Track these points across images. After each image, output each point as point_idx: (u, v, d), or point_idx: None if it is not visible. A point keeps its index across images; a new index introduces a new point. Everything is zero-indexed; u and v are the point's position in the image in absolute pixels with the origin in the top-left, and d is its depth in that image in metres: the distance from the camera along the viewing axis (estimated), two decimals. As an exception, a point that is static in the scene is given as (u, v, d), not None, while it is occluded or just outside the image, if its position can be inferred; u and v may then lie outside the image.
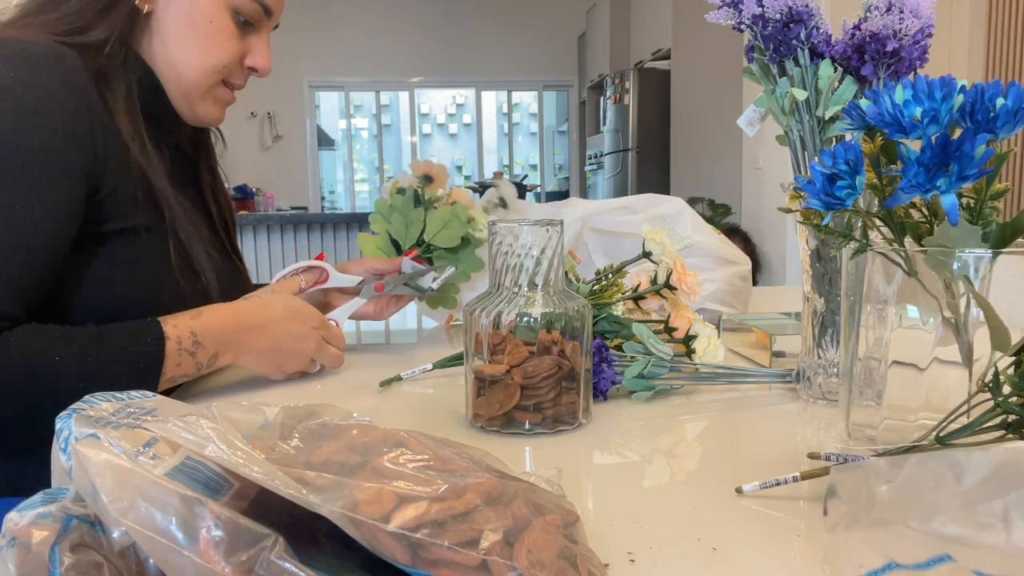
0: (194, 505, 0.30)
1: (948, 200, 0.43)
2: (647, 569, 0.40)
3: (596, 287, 0.84)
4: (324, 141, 7.66)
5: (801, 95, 0.67)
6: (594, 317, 0.78)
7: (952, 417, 0.44)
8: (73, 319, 0.72)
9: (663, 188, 5.35)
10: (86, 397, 0.38)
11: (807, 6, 0.67)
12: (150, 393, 0.40)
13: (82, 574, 0.30)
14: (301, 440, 0.38)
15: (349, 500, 0.31)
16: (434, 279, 0.95)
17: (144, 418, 0.36)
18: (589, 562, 0.35)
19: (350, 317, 0.93)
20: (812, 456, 0.52)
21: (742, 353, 0.88)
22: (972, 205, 0.46)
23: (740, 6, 0.68)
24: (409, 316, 1.21)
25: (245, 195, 5.56)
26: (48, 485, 0.36)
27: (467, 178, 8.37)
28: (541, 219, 0.61)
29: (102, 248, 0.74)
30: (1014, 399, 0.42)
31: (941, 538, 0.34)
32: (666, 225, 1.08)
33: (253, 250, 4.74)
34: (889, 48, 0.65)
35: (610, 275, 0.85)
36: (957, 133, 0.43)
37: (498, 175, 7.35)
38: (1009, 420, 0.42)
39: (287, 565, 0.29)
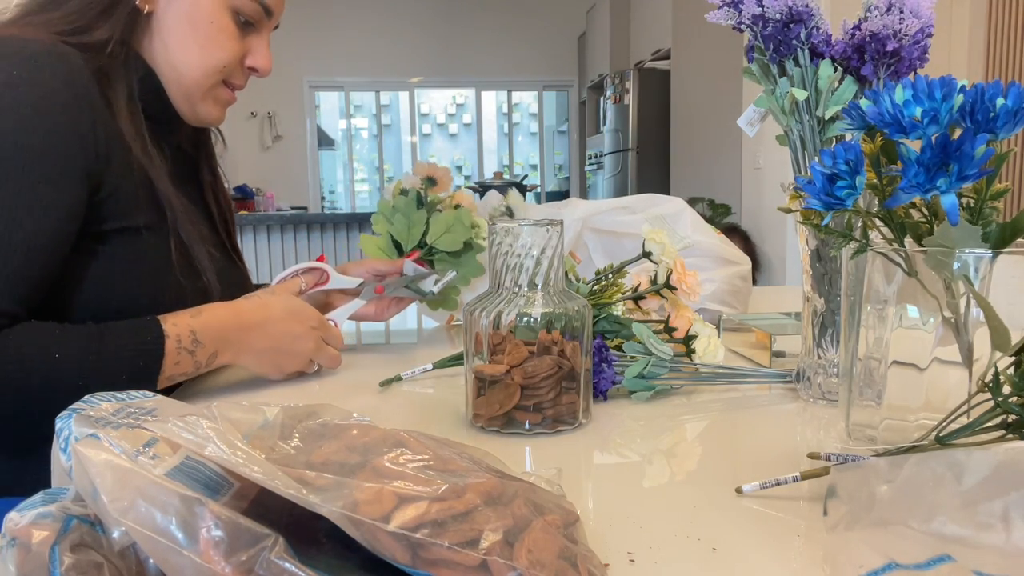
0: (194, 505, 0.30)
1: (948, 200, 0.43)
2: (647, 569, 0.40)
3: (596, 287, 0.84)
4: (324, 141, 7.66)
5: (801, 95, 0.67)
6: (594, 317, 0.78)
7: (952, 417, 0.44)
8: (73, 318, 0.72)
9: (663, 188, 5.35)
10: (86, 397, 0.38)
11: (807, 6, 0.67)
12: (150, 393, 0.40)
13: (82, 574, 0.30)
14: (301, 440, 0.38)
15: (349, 500, 0.31)
16: (435, 282, 0.95)
17: (144, 418, 0.36)
18: (589, 562, 0.35)
19: (350, 318, 0.93)
20: (812, 456, 0.52)
21: (742, 353, 0.88)
22: (972, 205, 0.46)
23: (740, 6, 0.68)
24: (409, 316, 1.21)
25: (245, 195, 5.55)
26: (48, 485, 0.36)
27: (467, 178, 8.37)
28: (541, 219, 0.61)
29: (103, 247, 0.74)
30: (1014, 399, 0.42)
31: (941, 538, 0.34)
32: (666, 225, 1.08)
33: (253, 250, 4.74)
34: (889, 48, 0.65)
35: (610, 275, 0.85)
36: (957, 133, 0.43)
37: (498, 175, 7.34)
38: (1009, 420, 0.42)
39: (287, 565, 0.29)
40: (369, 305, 0.95)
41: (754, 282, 1.15)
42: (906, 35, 0.65)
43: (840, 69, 0.68)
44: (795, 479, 0.48)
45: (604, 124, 5.99)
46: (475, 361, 0.62)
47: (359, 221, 4.97)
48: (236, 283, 0.92)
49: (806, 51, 0.67)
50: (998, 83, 0.43)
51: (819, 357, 0.69)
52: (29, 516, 0.32)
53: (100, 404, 0.37)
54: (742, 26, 0.69)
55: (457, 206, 1.05)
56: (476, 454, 0.41)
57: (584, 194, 6.90)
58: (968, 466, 0.36)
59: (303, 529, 0.33)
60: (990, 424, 0.43)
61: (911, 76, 0.59)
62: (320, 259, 0.95)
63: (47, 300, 0.70)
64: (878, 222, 0.51)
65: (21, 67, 0.68)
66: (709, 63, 4.64)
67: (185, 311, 0.74)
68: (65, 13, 0.76)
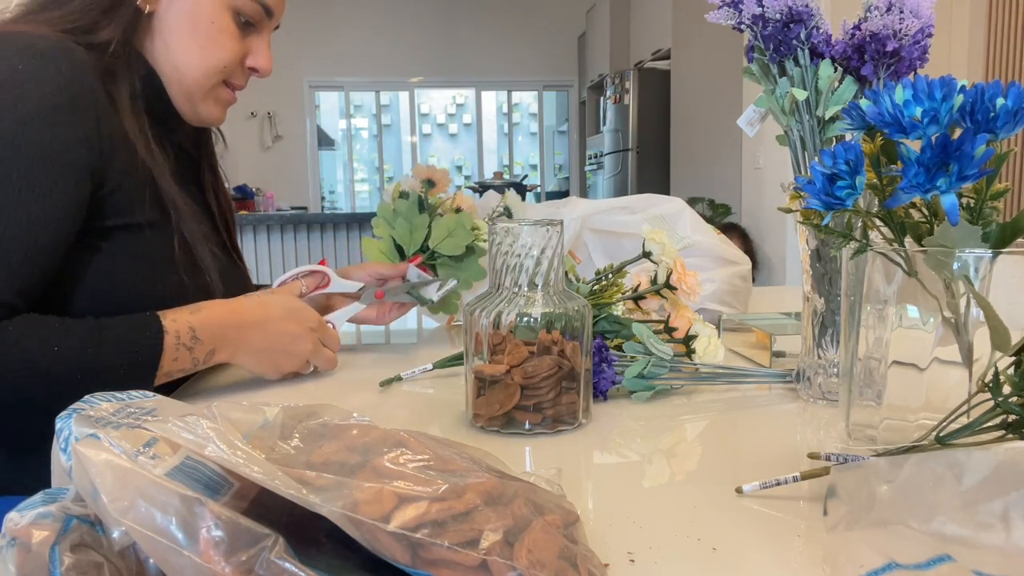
0: (194, 505, 0.30)
1: (948, 200, 0.43)
2: (647, 569, 0.40)
3: (596, 287, 0.84)
4: (324, 141, 7.66)
5: (801, 95, 0.67)
6: (594, 317, 0.78)
7: (952, 417, 0.44)
8: (74, 313, 0.72)
9: (663, 188, 5.35)
10: (86, 397, 0.38)
11: (807, 6, 0.67)
12: (150, 393, 0.40)
13: (82, 574, 0.30)
14: (301, 440, 0.38)
15: (349, 500, 0.31)
16: (438, 288, 0.95)
17: (144, 418, 0.36)
18: (589, 562, 0.35)
19: (350, 320, 0.93)
20: (812, 456, 0.52)
21: (742, 353, 0.88)
22: (972, 205, 0.46)
23: (740, 6, 0.68)
24: (409, 316, 1.21)
25: (245, 195, 5.55)
26: (48, 485, 0.36)
27: (467, 178, 8.37)
28: (541, 219, 0.61)
29: (105, 243, 0.75)
30: (1014, 399, 0.42)
31: (941, 538, 0.34)
32: (666, 225, 1.08)
33: (253, 250, 4.74)
34: (889, 48, 0.65)
35: (610, 275, 0.85)
36: (957, 133, 0.43)
37: (498, 175, 7.34)
38: (1009, 420, 0.42)
39: (287, 565, 0.29)
40: (370, 309, 0.95)
41: (754, 282, 1.15)
42: (906, 35, 0.65)
43: (840, 69, 0.68)
44: (795, 479, 0.48)
45: (604, 124, 5.99)
46: (475, 361, 0.62)
47: (359, 221, 4.97)
48: (237, 283, 0.92)
49: (806, 51, 0.67)
50: (998, 83, 0.43)
51: (819, 357, 0.69)
52: (29, 516, 0.32)
53: (100, 404, 0.37)
54: (742, 26, 0.69)
55: (458, 209, 1.05)
56: (476, 454, 0.41)
57: (584, 194, 6.89)
58: (968, 466, 0.36)
59: (303, 529, 0.33)
60: (990, 424, 0.43)
61: (911, 76, 0.59)
62: (321, 263, 0.95)
63: (48, 295, 0.71)
64: (878, 222, 0.51)
65: (27, 62, 0.69)
66: (709, 63, 4.64)
67: (184, 308, 0.74)
68: (66, 12, 0.77)
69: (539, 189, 8.05)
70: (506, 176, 7.49)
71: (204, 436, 0.33)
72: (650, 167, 5.49)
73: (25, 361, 0.63)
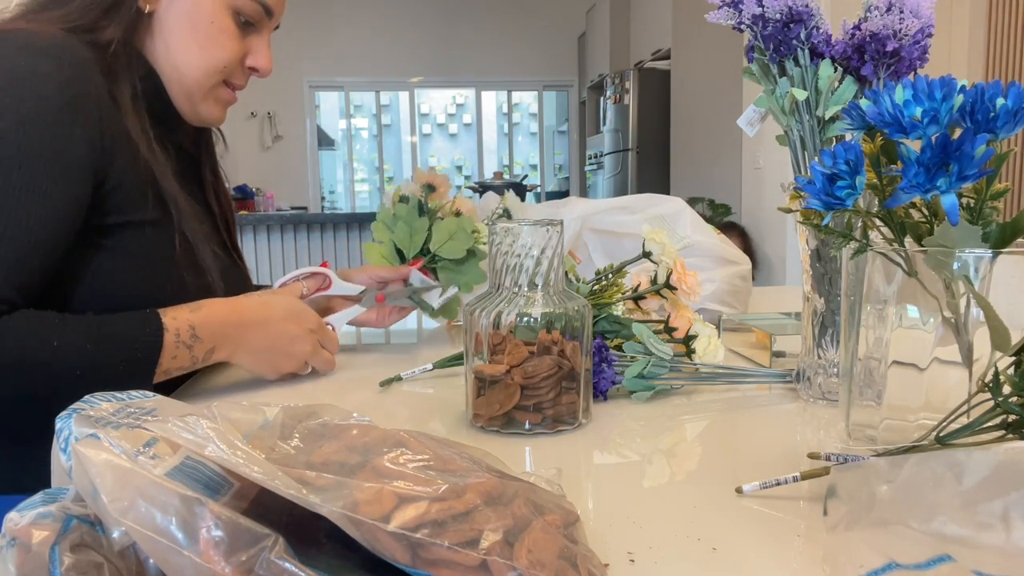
0: (194, 505, 0.30)
1: (948, 200, 0.43)
2: (647, 569, 0.40)
3: (596, 287, 0.84)
4: (324, 141, 7.66)
5: (801, 95, 0.67)
6: (594, 317, 0.78)
7: (952, 417, 0.44)
8: (74, 310, 0.72)
9: (663, 188, 5.35)
10: (86, 397, 0.38)
11: (807, 6, 0.67)
12: (150, 393, 0.40)
13: (82, 574, 0.30)
14: (301, 440, 0.38)
15: (349, 500, 0.31)
16: (439, 295, 0.95)
17: (144, 418, 0.36)
18: (589, 562, 0.35)
19: (350, 323, 0.93)
20: (812, 456, 0.52)
21: (742, 353, 0.88)
22: (972, 205, 0.46)
23: (740, 6, 0.68)
24: (410, 317, 1.21)
25: (245, 195, 5.55)
26: (48, 485, 0.36)
27: (467, 178, 8.37)
28: (541, 219, 0.61)
29: (105, 240, 0.75)
30: (1014, 399, 0.42)
31: (941, 538, 0.34)
32: (666, 225, 1.08)
33: (253, 250, 4.73)
34: (889, 48, 0.65)
35: (610, 275, 0.85)
36: (957, 133, 0.43)
37: (498, 175, 7.34)
38: (1009, 420, 0.42)
39: (287, 565, 0.29)
40: (370, 311, 0.95)
41: (754, 282, 1.15)
42: (906, 35, 0.65)
43: (840, 69, 0.68)
44: (795, 479, 0.48)
45: (604, 124, 5.99)
46: (475, 361, 0.62)
47: (359, 221, 4.97)
48: (237, 283, 0.92)
49: (806, 51, 0.67)
50: (998, 83, 0.43)
51: (819, 357, 0.69)
52: (29, 516, 0.32)
53: (100, 404, 0.37)
54: (742, 26, 0.69)
55: (458, 213, 1.05)
56: (476, 454, 0.41)
57: (584, 194, 6.89)
58: (968, 466, 0.36)
59: (303, 529, 0.33)
60: (990, 424, 0.43)
61: (911, 76, 0.59)
62: (323, 265, 0.95)
63: (49, 292, 0.71)
64: (878, 222, 0.51)
65: (30, 60, 0.69)
66: (709, 63, 4.64)
67: (184, 305, 0.74)
68: (66, 12, 0.77)
69: (539, 189, 8.05)
70: (506, 176, 7.49)
71: (204, 436, 0.33)
72: (650, 167, 5.49)
73: (24, 357, 0.64)
